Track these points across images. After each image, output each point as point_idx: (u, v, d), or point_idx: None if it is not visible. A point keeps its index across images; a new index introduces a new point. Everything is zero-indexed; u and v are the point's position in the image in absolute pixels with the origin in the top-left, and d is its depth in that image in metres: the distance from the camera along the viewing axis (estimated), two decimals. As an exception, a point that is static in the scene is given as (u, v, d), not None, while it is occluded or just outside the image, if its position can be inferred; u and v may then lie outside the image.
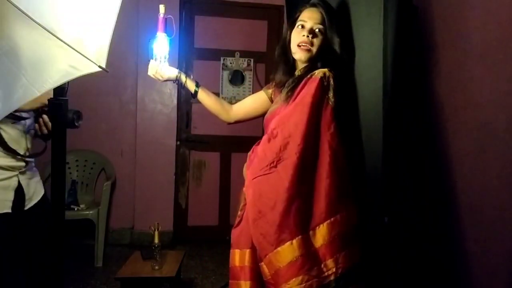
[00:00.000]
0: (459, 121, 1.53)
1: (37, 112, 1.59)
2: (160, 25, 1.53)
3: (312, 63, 1.49)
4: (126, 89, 3.50)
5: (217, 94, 3.50)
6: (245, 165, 1.56)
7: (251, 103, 1.74)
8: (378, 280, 1.45)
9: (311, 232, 1.33)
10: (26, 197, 1.66)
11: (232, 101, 3.57)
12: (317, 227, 1.33)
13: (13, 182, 1.59)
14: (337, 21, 1.47)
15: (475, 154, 1.44)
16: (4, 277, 1.56)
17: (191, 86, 1.67)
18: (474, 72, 1.45)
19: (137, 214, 3.52)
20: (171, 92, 3.53)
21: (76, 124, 1.56)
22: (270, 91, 1.68)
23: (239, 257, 1.44)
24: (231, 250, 1.48)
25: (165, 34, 1.55)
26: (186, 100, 3.59)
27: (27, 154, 1.64)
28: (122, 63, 3.36)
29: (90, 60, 0.93)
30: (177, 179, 3.61)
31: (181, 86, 1.68)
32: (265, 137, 1.43)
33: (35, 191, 1.72)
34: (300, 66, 1.53)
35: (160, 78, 1.62)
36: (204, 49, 3.59)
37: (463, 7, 1.51)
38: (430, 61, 1.70)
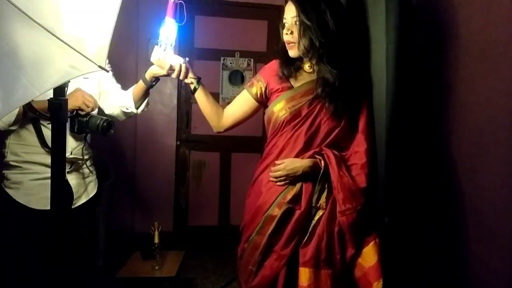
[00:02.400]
0: (459, 121, 1.53)
1: (71, 113, 1.59)
2: (170, 9, 1.43)
3: (311, 58, 1.46)
4: (126, 89, 3.49)
5: (217, 94, 3.56)
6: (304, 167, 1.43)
7: (239, 107, 1.62)
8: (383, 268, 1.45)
9: None
10: (75, 196, 1.71)
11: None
12: None
13: None
14: (313, 7, 1.39)
15: (476, 154, 1.43)
16: (39, 272, 1.57)
17: (192, 81, 1.59)
18: (474, 72, 1.45)
19: (137, 214, 3.52)
20: (171, 92, 3.53)
21: (107, 133, 1.58)
22: (254, 89, 1.57)
23: (312, 276, 1.39)
24: (300, 268, 1.41)
25: (174, 20, 1.45)
26: (186, 100, 3.59)
27: (72, 154, 1.67)
28: (122, 63, 3.36)
29: (90, 60, 0.93)
30: (177, 179, 3.61)
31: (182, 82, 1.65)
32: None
33: (86, 190, 1.77)
34: (305, 59, 1.49)
35: (162, 66, 1.52)
36: (204, 49, 3.58)
37: (463, 7, 1.51)
38: (430, 61, 1.70)
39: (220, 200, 3.69)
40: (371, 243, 1.42)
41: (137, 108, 1.81)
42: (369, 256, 1.41)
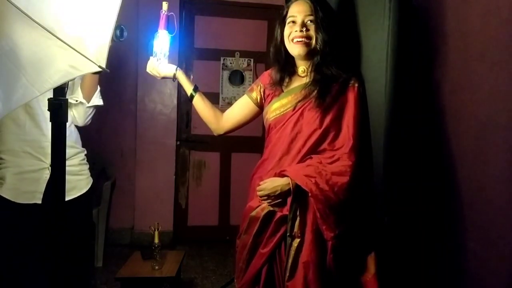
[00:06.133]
0: (459, 121, 1.53)
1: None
2: (162, 22, 1.52)
3: (314, 59, 1.46)
4: (126, 89, 3.50)
5: (217, 94, 3.56)
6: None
7: (239, 110, 1.67)
8: (379, 279, 1.45)
9: None
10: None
11: (232, 101, 3.58)
12: None
13: (44, 175, 1.62)
14: (326, 11, 1.44)
15: (476, 154, 1.43)
16: (26, 266, 1.58)
17: (188, 89, 1.65)
18: (474, 72, 1.45)
19: (137, 214, 3.52)
20: (171, 92, 3.53)
21: (121, 39, 1.57)
22: (254, 94, 1.63)
23: None
24: None
25: (167, 31, 1.54)
26: (186, 100, 3.57)
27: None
28: (122, 63, 3.36)
29: (90, 60, 0.93)
30: (177, 179, 3.61)
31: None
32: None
33: (75, 187, 1.72)
34: (300, 63, 1.51)
35: (157, 74, 1.62)
36: (204, 49, 3.59)
37: (463, 7, 1.51)
38: (430, 61, 1.70)
39: (220, 200, 3.69)
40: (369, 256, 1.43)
41: (87, 101, 1.75)
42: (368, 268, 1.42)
